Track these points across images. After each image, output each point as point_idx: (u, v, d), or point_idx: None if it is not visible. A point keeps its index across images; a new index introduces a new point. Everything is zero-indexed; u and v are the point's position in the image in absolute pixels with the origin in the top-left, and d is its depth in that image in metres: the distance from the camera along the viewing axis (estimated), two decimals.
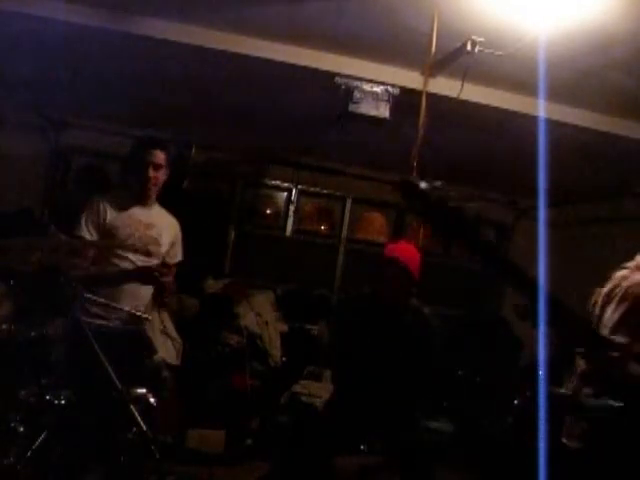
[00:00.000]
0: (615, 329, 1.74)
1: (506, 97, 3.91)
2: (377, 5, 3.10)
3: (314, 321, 5.77)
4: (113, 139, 5.63)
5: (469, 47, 3.28)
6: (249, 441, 4.68)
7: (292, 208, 6.39)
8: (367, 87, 3.73)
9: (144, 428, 2.29)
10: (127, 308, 3.00)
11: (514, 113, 3.93)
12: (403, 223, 6.59)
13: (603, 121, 4.05)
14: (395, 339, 2.99)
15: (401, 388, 2.96)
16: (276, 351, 5.23)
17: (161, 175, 3.18)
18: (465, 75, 3.56)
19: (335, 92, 3.74)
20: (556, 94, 3.71)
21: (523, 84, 3.67)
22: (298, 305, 5.92)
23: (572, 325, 1.50)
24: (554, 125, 3.75)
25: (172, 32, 3.52)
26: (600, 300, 1.91)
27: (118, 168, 6.05)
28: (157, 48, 3.66)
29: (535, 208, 5.53)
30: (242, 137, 5.67)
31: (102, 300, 2.92)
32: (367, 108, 3.74)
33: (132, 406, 2.33)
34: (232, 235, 6.12)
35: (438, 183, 1.39)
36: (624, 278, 1.83)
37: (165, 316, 4.63)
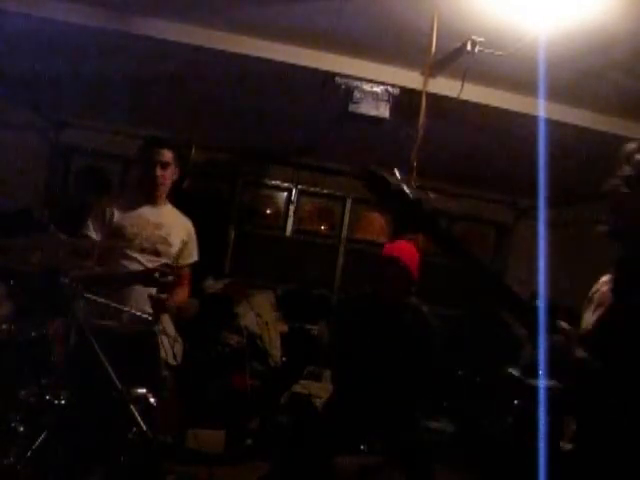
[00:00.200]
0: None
1: (506, 97, 3.91)
2: (377, 5, 3.10)
3: (314, 321, 5.77)
4: (113, 139, 5.65)
5: (469, 47, 3.28)
6: (249, 441, 4.68)
7: (292, 208, 6.39)
8: (367, 87, 3.73)
9: (144, 428, 2.29)
10: (127, 309, 2.99)
11: (514, 113, 3.93)
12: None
13: (603, 121, 4.05)
14: (395, 339, 2.99)
15: (401, 388, 2.95)
16: (276, 351, 5.23)
17: (169, 174, 3.17)
18: (465, 75, 3.57)
19: (335, 92, 3.74)
20: (556, 94, 3.71)
21: (523, 84, 3.67)
22: (298, 305, 5.92)
23: (517, 308, 1.52)
24: (554, 125, 3.75)
25: (172, 32, 3.52)
26: (584, 302, 1.92)
27: (119, 168, 6.06)
28: (157, 48, 3.66)
29: (535, 208, 5.53)
30: (242, 137, 5.67)
31: (102, 300, 2.92)
32: (367, 108, 3.74)
33: (132, 406, 2.33)
34: (232, 235, 6.13)
35: (404, 177, 1.40)
36: (605, 283, 1.84)
37: (165, 316, 4.62)
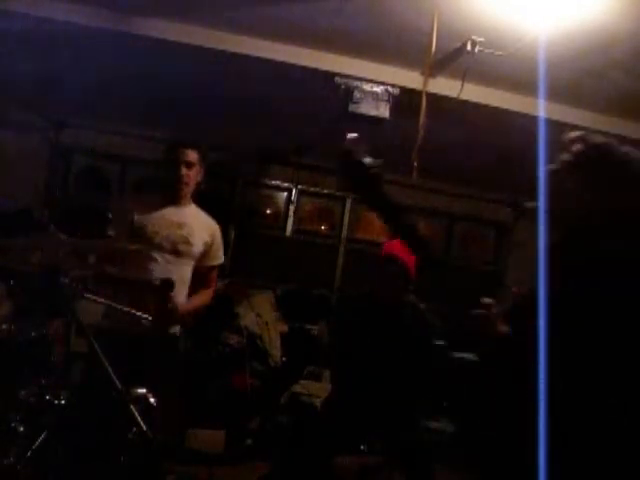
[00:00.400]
0: None
1: (506, 97, 3.91)
2: (377, 5, 3.10)
3: (314, 321, 5.77)
4: (113, 139, 5.65)
5: (469, 47, 3.28)
6: (249, 441, 4.68)
7: (292, 208, 6.39)
8: (367, 87, 3.73)
9: (144, 428, 2.29)
10: (127, 309, 2.98)
11: (514, 113, 3.93)
12: None
13: (603, 121, 4.05)
14: (394, 338, 2.99)
15: (401, 387, 2.95)
16: (276, 351, 5.23)
17: (194, 174, 3.16)
18: (465, 75, 3.57)
19: (335, 92, 3.74)
20: (556, 94, 3.71)
21: (523, 84, 3.67)
22: (298, 305, 5.92)
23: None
24: (554, 125, 3.74)
25: (172, 32, 3.52)
26: None
27: (118, 168, 6.07)
28: (157, 48, 3.66)
29: (535, 208, 5.51)
30: (242, 137, 5.67)
31: (102, 300, 2.91)
32: (367, 108, 3.74)
33: (132, 406, 2.33)
34: (232, 235, 6.12)
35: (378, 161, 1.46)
36: None
37: None
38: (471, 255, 6.78)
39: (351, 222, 6.54)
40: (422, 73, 3.62)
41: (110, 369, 2.34)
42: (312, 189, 6.41)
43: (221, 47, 3.59)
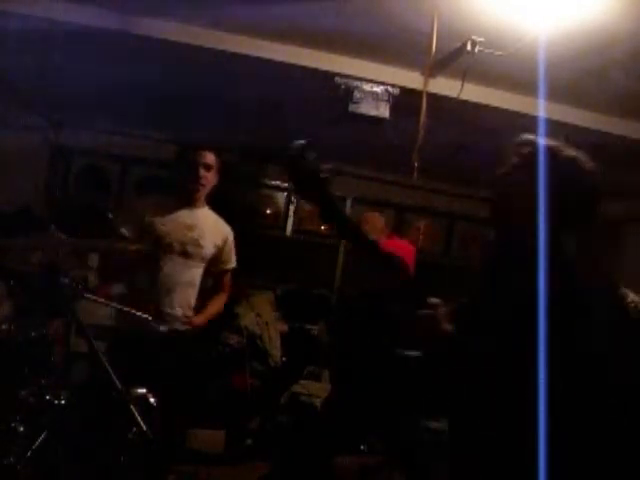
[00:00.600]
0: None
1: (506, 97, 3.91)
2: (377, 5, 3.10)
3: (314, 321, 5.77)
4: (113, 139, 5.65)
5: (469, 47, 3.28)
6: (249, 441, 4.68)
7: (292, 208, 6.39)
8: (367, 87, 3.73)
9: (144, 428, 2.29)
10: (127, 309, 2.99)
11: (514, 113, 3.93)
12: (403, 223, 6.60)
13: (603, 121, 4.05)
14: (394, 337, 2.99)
15: (401, 387, 2.95)
16: (276, 351, 5.23)
17: (211, 177, 3.17)
18: (465, 75, 3.56)
19: (335, 92, 3.74)
20: (556, 94, 3.71)
21: (523, 84, 3.67)
22: (298, 305, 5.92)
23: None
24: (554, 125, 3.74)
25: (172, 32, 3.51)
26: None
27: (118, 168, 6.06)
28: (157, 48, 3.65)
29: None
30: (242, 137, 5.67)
31: (102, 300, 2.92)
32: (367, 108, 3.74)
33: (132, 406, 2.33)
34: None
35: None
36: None
37: None
38: (471, 255, 6.78)
39: None
40: (422, 73, 3.61)
41: (110, 369, 2.35)
42: None
43: (221, 47, 3.58)
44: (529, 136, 1.76)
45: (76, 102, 5.07)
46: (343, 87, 3.72)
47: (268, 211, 6.49)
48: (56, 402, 2.47)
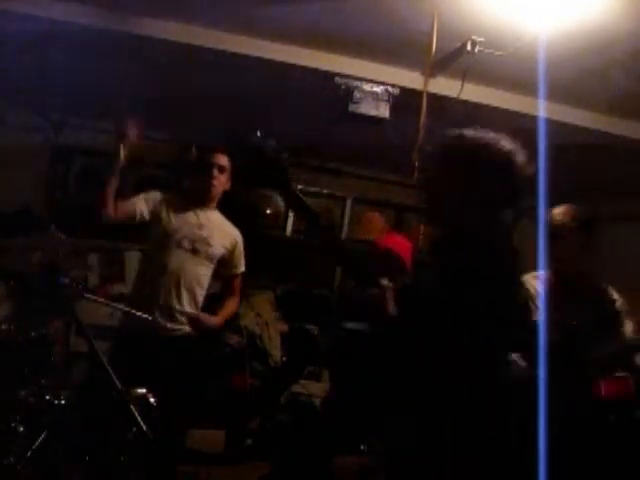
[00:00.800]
0: None
1: (506, 97, 3.91)
2: (377, 5, 3.10)
3: (314, 321, 5.76)
4: (113, 139, 5.63)
5: (469, 47, 3.28)
6: (249, 441, 4.68)
7: None
8: (367, 87, 3.73)
9: (144, 428, 2.29)
10: (127, 309, 2.99)
11: (514, 113, 3.93)
12: (403, 223, 6.59)
13: (603, 121, 4.05)
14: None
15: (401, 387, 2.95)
16: (276, 351, 5.23)
17: (224, 178, 3.22)
18: (465, 75, 3.57)
19: (335, 92, 3.73)
20: (556, 94, 3.70)
21: (523, 84, 3.67)
22: (298, 305, 5.91)
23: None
24: (554, 125, 3.74)
25: (172, 32, 3.52)
26: None
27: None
28: (157, 48, 3.66)
29: (535, 208, 5.50)
30: (242, 137, 5.66)
31: (102, 300, 2.92)
32: (367, 108, 3.74)
33: (132, 406, 2.33)
34: None
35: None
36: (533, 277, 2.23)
37: None
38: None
39: (351, 222, 6.53)
40: (422, 73, 3.61)
41: (110, 369, 2.34)
42: (312, 189, 6.41)
43: (221, 47, 3.59)
44: (454, 131, 1.94)
45: (76, 102, 5.07)
46: (343, 87, 3.72)
47: (268, 211, 6.48)
48: (56, 402, 2.47)
